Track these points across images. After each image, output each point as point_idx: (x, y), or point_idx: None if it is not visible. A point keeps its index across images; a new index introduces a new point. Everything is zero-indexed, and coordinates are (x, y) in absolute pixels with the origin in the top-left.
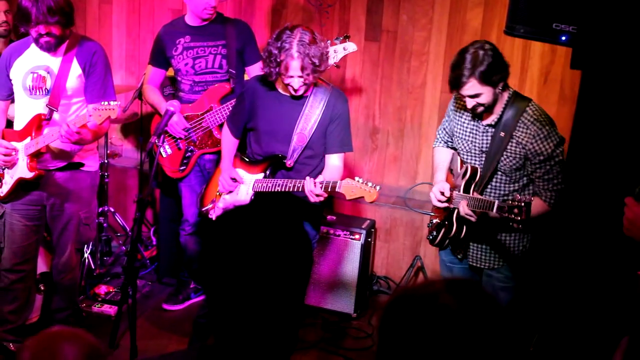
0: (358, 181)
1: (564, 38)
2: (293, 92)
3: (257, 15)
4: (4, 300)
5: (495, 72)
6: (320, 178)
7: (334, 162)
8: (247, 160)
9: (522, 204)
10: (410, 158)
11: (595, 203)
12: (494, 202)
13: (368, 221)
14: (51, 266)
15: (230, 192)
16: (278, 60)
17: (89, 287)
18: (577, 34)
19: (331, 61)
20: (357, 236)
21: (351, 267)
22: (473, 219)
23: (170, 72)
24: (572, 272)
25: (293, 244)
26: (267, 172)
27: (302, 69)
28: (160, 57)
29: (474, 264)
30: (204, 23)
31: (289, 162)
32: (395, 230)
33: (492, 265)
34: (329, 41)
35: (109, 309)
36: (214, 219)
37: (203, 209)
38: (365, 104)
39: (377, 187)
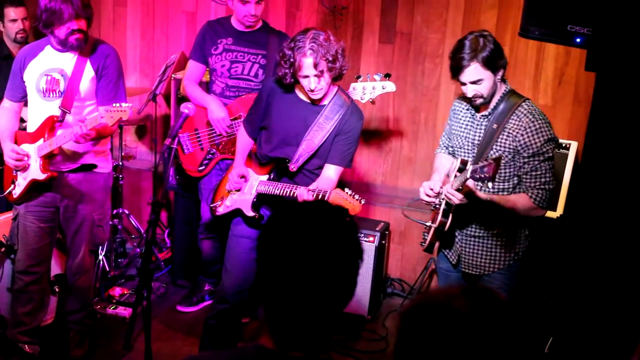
0: (347, 192)
1: (578, 40)
2: (310, 94)
3: (272, 18)
4: (19, 302)
5: (496, 57)
6: (313, 185)
7: (329, 173)
8: (258, 160)
9: (491, 160)
10: (424, 160)
11: (610, 204)
12: (468, 169)
13: (382, 223)
14: (65, 268)
15: (238, 190)
16: (291, 60)
17: (104, 289)
18: (592, 36)
19: (367, 97)
20: (371, 238)
21: (365, 269)
22: (456, 199)
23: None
24: (588, 274)
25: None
26: (272, 175)
27: (315, 65)
28: (200, 52)
29: (467, 271)
30: (248, 29)
31: (292, 167)
32: (409, 233)
33: (485, 271)
34: (368, 75)
35: (124, 311)
36: (219, 214)
37: (212, 205)
38: (379, 106)
39: (362, 201)
